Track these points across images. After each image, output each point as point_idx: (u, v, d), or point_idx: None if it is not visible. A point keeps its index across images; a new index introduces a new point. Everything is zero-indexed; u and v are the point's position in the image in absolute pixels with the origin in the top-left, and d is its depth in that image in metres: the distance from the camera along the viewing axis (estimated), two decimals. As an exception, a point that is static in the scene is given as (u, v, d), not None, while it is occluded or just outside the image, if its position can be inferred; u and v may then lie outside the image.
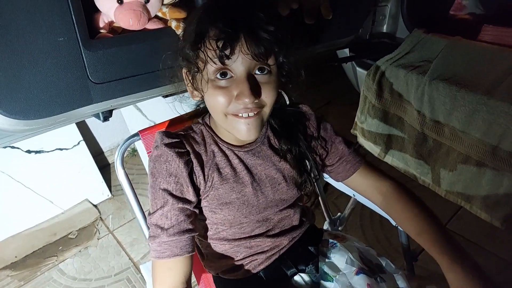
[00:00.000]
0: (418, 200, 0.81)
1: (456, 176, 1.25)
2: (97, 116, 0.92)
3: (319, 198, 1.21)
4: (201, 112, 0.84)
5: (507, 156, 1.08)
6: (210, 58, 0.64)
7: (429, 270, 1.27)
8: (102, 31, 0.83)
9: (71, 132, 1.86)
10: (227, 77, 0.66)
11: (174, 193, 0.70)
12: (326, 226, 1.21)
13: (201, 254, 0.88)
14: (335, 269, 0.80)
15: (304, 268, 0.80)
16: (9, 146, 1.69)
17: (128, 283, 1.57)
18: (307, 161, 0.82)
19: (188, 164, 0.71)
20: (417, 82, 1.28)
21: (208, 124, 0.80)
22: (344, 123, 1.76)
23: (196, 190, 0.73)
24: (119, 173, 0.91)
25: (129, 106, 1.94)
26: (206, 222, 0.78)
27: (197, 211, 0.74)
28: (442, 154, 1.28)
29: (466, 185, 1.24)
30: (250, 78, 0.66)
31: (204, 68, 0.66)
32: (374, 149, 1.51)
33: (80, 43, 0.75)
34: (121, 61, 0.83)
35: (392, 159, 1.46)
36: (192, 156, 0.72)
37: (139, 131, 0.91)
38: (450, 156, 1.25)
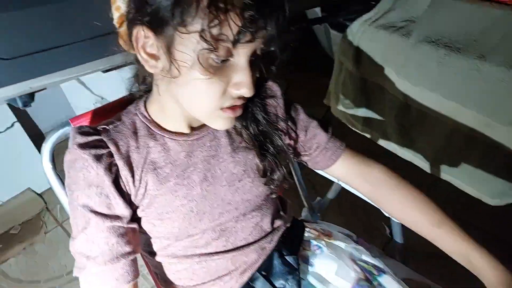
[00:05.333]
0: (415, 187, 0.71)
1: (442, 150, 1.16)
2: (13, 101, 0.71)
3: (296, 181, 1.07)
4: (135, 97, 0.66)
5: (502, 129, 0.98)
6: (231, 35, 0.47)
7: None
8: (3, -15, 0.61)
9: (2, 113, 1.60)
10: (225, 61, 0.51)
11: (97, 209, 0.54)
12: (304, 212, 1.09)
13: (155, 274, 0.72)
14: (323, 280, 0.68)
15: (283, 285, 0.66)
16: None
17: (83, 281, 1.41)
18: (270, 143, 0.67)
19: (111, 169, 0.55)
20: (400, 45, 1.14)
21: (143, 111, 0.62)
22: (313, 92, 1.61)
23: (128, 199, 0.57)
24: (47, 170, 0.72)
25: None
26: (147, 235, 0.63)
27: (135, 225, 0.58)
28: (427, 126, 1.17)
29: (453, 159, 1.15)
30: (251, 66, 0.53)
31: (218, 47, 0.48)
32: (350, 120, 1.39)
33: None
34: (37, 28, 0.62)
35: (371, 131, 1.35)
36: (116, 156, 0.56)
37: (70, 119, 0.71)
38: (436, 129, 1.15)
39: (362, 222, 1.53)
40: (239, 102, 0.56)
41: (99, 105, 1.54)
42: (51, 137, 0.70)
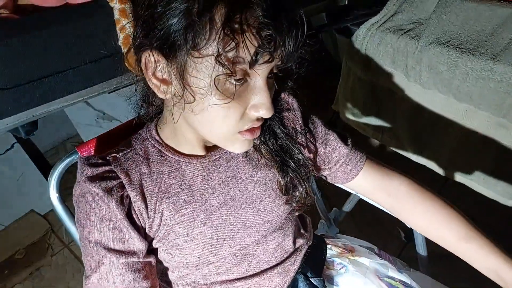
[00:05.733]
0: (442, 199, 0.67)
1: (456, 152, 1.13)
2: (15, 131, 0.68)
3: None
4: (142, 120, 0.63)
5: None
6: (248, 57, 0.45)
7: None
8: (1, 11, 0.57)
9: (1, 134, 1.56)
10: (242, 82, 0.48)
11: (110, 245, 0.51)
12: (321, 225, 1.05)
13: None
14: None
15: None
16: None
17: (93, 304, 1.36)
18: (290, 158, 0.63)
19: (123, 201, 0.52)
20: (409, 48, 1.11)
21: (154, 135, 0.59)
22: (319, 96, 1.58)
23: (142, 232, 0.54)
24: (54, 201, 0.74)
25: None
26: (164, 264, 0.60)
27: (151, 259, 0.55)
28: (440, 129, 1.14)
29: (467, 162, 1.12)
30: (268, 85, 0.50)
31: (235, 70, 0.46)
32: (360, 126, 1.36)
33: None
34: (37, 54, 0.59)
35: (382, 136, 1.31)
36: (128, 187, 0.53)
37: (77, 147, 0.67)
38: (449, 132, 1.12)
39: (373, 227, 1.49)
40: (257, 124, 0.53)
41: (100, 120, 1.49)
42: (57, 167, 0.66)
